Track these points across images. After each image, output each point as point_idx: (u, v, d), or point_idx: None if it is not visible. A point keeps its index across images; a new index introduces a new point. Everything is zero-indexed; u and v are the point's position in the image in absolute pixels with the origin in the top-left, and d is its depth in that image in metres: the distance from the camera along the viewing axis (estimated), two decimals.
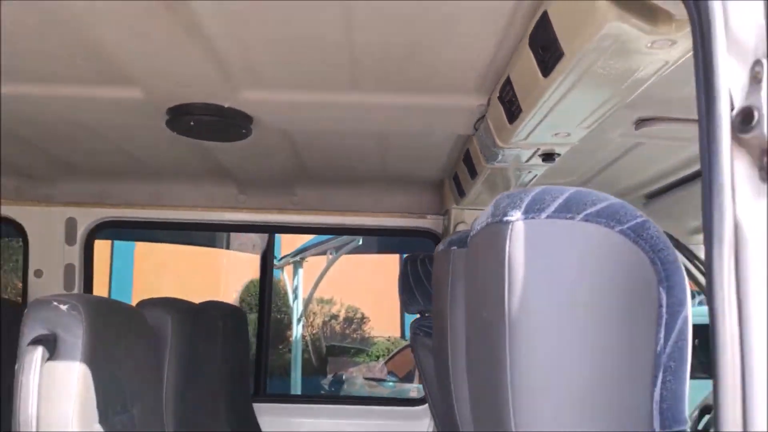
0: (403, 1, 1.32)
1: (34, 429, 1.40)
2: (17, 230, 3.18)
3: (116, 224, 3.27)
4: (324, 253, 8.44)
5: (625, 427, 0.83)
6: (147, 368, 1.94)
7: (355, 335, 12.25)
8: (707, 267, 0.69)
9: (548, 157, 1.85)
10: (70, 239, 3.16)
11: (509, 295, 0.85)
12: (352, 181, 2.98)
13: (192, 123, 2.02)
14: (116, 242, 10.66)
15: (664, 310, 0.83)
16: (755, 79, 0.67)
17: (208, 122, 2.02)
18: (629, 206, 0.87)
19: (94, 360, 1.52)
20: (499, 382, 0.87)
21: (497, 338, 0.87)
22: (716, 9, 0.69)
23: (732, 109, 0.67)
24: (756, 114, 0.65)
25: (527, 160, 1.90)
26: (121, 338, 1.76)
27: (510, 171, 2.06)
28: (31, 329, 1.49)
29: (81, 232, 3.17)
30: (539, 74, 1.33)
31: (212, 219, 3.11)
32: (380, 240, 6.57)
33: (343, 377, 8.75)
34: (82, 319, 1.52)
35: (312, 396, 8.05)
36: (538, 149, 1.80)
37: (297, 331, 9.43)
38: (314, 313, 11.75)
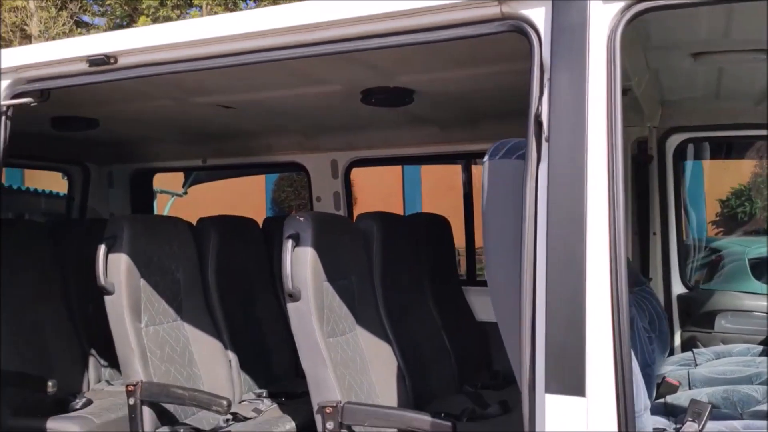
0: None
1: (290, 283, 2.71)
2: (303, 170, 4.71)
3: (363, 162, 4.62)
4: None
5: None
6: (358, 258, 3.19)
7: None
8: None
9: None
10: (334, 174, 4.59)
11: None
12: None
13: (373, 99, 3.18)
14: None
15: None
16: None
17: (384, 96, 3.18)
18: None
19: (318, 247, 2.79)
20: None
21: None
22: None
23: None
24: None
25: None
26: (337, 236, 3.02)
27: None
28: (287, 230, 2.80)
29: (341, 168, 4.57)
30: None
31: (412, 152, 4.30)
32: None
33: None
34: (311, 225, 2.79)
35: None
36: None
37: None
38: None
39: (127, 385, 3.09)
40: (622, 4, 1.69)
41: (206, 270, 3.69)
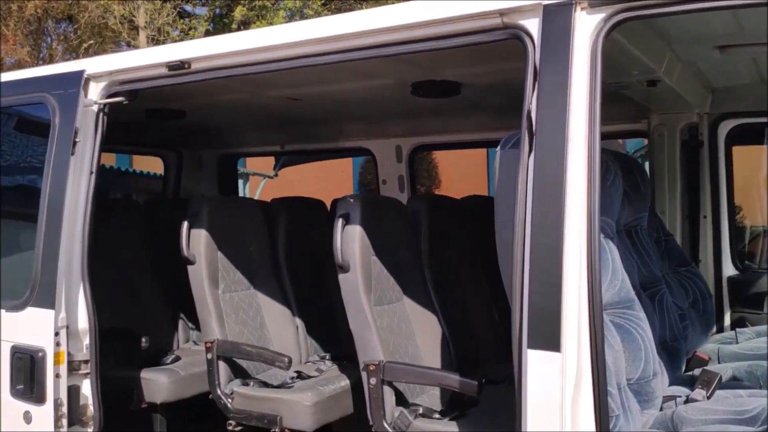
0: None
1: (339, 256, 3.08)
2: (370, 155, 5.08)
3: (425, 147, 4.93)
4: None
5: None
6: (406, 236, 3.53)
7: None
8: None
9: None
10: (398, 158, 4.93)
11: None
12: None
13: (422, 92, 3.49)
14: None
15: None
16: None
17: (432, 88, 3.49)
18: None
19: (366, 225, 3.14)
20: None
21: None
22: None
23: None
24: None
25: None
26: (385, 216, 3.37)
27: None
28: (339, 210, 3.17)
29: (405, 153, 4.91)
30: None
31: (470, 138, 4.56)
32: None
33: None
34: (359, 206, 3.15)
35: None
36: None
37: None
38: None
39: (205, 342, 3.59)
40: (602, 15, 1.93)
41: (276, 245, 4.14)
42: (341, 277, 3.12)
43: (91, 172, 2.90)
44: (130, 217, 4.57)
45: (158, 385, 3.80)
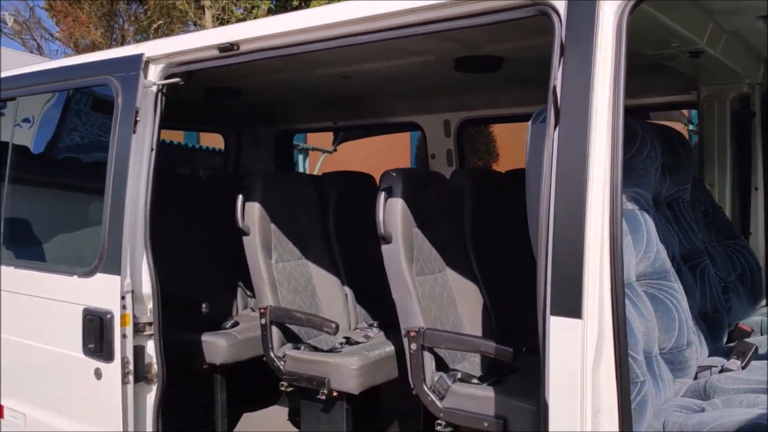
0: None
1: (382, 228, 3.22)
2: (420, 129, 5.18)
3: (473, 121, 5.00)
4: None
5: None
6: (450, 209, 3.64)
7: None
8: None
9: None
10: (447, 133, 5.01)
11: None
12: None
13: (465, 67, 3.57)
14: None
15: None
16: None
17: (474, 63, 3.56)
18: None
19: (408, 198, 3.27)
20: None
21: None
22: None
23: None
24: None
25: None
26: (428, 190, 3.48)
27: None
28: (382, 183, 3.30)
29: (453, 128, 4.99)
30: None
31: (518, 111, 4.58)
32: None
33: None
34: (401, 180, 3.27)
35: None
36: None
37: None
38: None
39: (259, 309, 3.81)
40: None
41: (327, 217, 4.32)
42: (384, 247, 3.26)
43: (152, 149, 3.12)
44: (194, 192, 4.84)
45: (217, 348, 4.06)
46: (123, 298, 3.02)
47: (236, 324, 4.38)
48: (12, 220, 3.66)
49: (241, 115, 5.47)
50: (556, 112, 2.09)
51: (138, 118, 3.04)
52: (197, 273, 4.58)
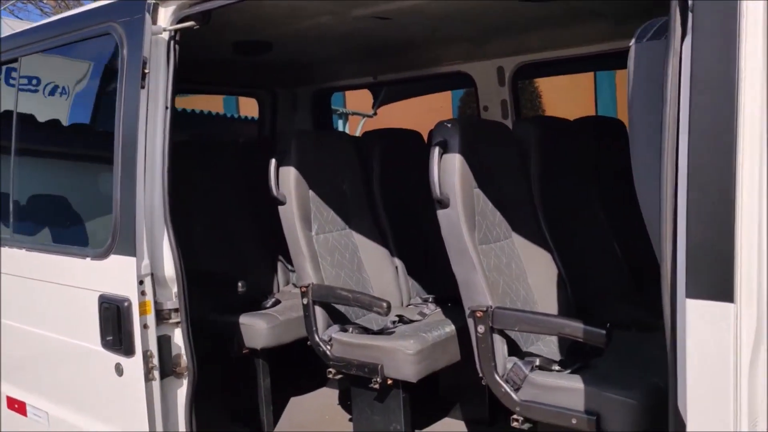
0: None
1: (437, 190, 2.71)
2: (469, 80, 4.63)
3: (530, 67, 4.41)
4: None
5: None
6: (513, 164, 3.11)
7: None
8: None
9: None
10: (501, 81, 4.44)
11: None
12: None
13: None
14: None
15: None
16: None
17: None
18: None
19: (467, 153, 2.76)
20: None
21: None
22: None
23: None
24: None
25: None
26: (489, 142, 2.96)
27: None
28: (435, 137, 2.79)
29: (507, 75, 4.42)
30: None
31: (584, 52, 3.97)
32: None
33: None
34: (458, 132, 2.76)
35: None
36: None
37: None
38: None
39: (300, 287, 3.37)
40: None
41: (371, 181, 3.83)
42: (440, 213, 2.77)
43: (166, 108, 2.67)
44: (227, 160, 4.40)
45: (257, 330, 3.65)
46: (141, 282, 2.61)
47: (277, 302, 3.97)
48: (18, 196, 3.28)
49: (275, 74, 5.00)
50: (684, 15, 1.54)
51: (146, 70, 2.58)
52: (234, 247, 4.17)
